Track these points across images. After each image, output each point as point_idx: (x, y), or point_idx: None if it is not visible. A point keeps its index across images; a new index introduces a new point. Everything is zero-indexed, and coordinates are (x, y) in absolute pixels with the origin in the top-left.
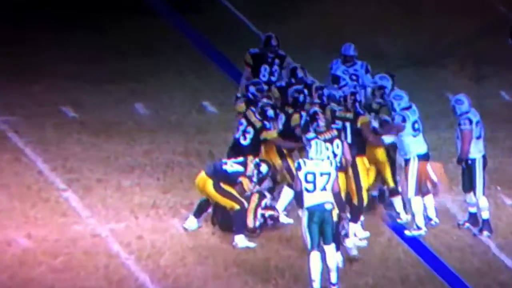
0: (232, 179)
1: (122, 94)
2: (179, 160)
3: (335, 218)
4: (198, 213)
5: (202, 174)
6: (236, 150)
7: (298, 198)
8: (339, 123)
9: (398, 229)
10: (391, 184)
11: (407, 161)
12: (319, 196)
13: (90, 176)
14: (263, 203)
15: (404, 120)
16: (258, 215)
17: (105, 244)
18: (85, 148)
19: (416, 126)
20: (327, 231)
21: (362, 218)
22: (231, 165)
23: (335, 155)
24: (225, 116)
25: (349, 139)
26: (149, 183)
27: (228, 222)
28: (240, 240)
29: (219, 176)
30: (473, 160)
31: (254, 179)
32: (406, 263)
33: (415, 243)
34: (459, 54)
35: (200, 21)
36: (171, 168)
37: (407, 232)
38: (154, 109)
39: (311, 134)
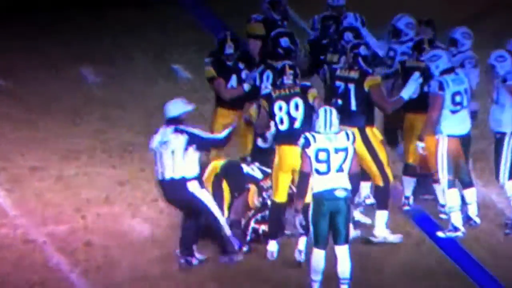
0: (241, 181)
1: (64, 58)
2: (140, 141)
3: (351, 210)
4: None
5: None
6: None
7: (301, 186)
8: (340, 84)
9: (430, 230)
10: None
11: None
12: (334, 180)
13: (22, 163)
14: (259, 216)
15: (441, 87)
16: (250, 229)
17: (41, 253)
18: (16, 127)
19: (458, 99)
20: (340, 226)
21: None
22: (252, 169)
23: (292, 118)
24: (200, 83)
25: (353, 106)
26: (100, 172)
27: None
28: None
29: (229, 172)
30: (503, 135)
31: (265, 194)
32: (440, 274)
33: (451, 248)
34: None
35: None
36: (129, 153)
37: (440, 234)
38: (107, 75)
39: (265, 90)
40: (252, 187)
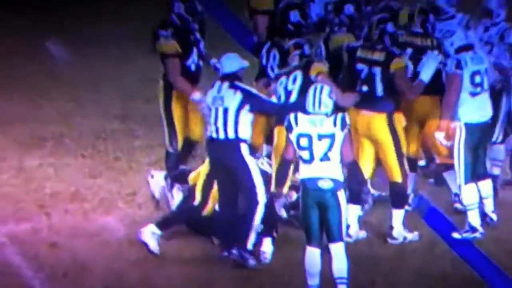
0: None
1: (25, 25)
2: (114, 127)
3: (343, 204)
4: None
5: None
6: None
7: (281, 173)
8: (362, 68)
9: (444, 230)
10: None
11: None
12: (318, 169)
13: None
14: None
15: (459, 66)
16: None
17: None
18: None
19: (478, 79)
20: (330, 221)
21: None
22: (262, 163)
23: (288, 92)
24: None
25: (380, 91)
26: (67, 163)
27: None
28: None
29: None
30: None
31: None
32: (455, 280)
33: (467, 251)
34: None
35: None
36: (102, 140)
37: (456, 235)
38: (75, 48)
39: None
40: None
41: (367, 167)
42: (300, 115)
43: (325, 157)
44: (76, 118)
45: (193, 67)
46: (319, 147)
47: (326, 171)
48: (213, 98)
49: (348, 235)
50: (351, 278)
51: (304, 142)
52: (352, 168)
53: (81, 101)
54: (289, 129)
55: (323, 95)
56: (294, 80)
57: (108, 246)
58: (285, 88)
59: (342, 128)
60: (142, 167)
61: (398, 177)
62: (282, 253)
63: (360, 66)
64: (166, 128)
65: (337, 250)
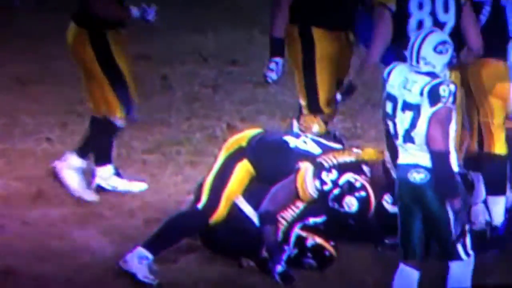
0: (285, 159)
1: None
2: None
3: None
4: None
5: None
6: None
7: None
8: None
9: None
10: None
11: None
12: (405, 152)
13: None
14: (311, 220)
15: None
16: (292, 238)
17: None
18: None
19: None
20: (432, 230)
21: None
22: (304, 141)
23: (440, 23)
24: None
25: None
26: (26, 150)
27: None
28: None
29: (261, 151)
30: None
31: (327, 185)
32: None
33: None
34: None
35: None
36: (77, 116)
37: None
38: None
39: None
40: (305, 166)
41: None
42: (399, 66)
43: (407, 137)
44: (37, 82)
45: None
46: (401, 121)
47: (416, 157)
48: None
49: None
50: None
51: (389, 107)
52: (440, 159)
53: (43, 59)
54: (383, 81)
55: (424, 46)
56: (446, 7)
57: (86, 273)
58: (434, 15)
59: (432, 102)
60: (134, 154)
61: (501, 148)
62: None
63: None
64: (112, 89)
65: (454, 270)
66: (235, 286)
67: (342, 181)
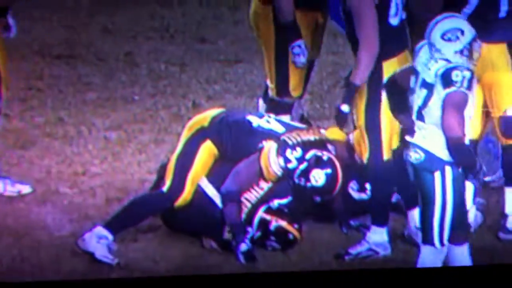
0: (248, 139)
1: None
2: (55, 72)
3: (443, 193)
4: None
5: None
6: None
7: None
8: None
9: None
10: None
11: None
12: (417, 133)
13: None
14: (275, 202)
15: None
16: (255, 221)
17: None
18: None
19: None
20: (422, 213)
21: None
22: (268, 121)
23: None
24: None
25: (502, 10)
26: None
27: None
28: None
29: (223, 126)
30: None
31: (292, 162)
32: None
33: None
34: None
35: None
36: (37, 91)
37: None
38: None
39: None
40: (268, 144)
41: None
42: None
43: (419, 115)
44: None
45: None
46: (417, 97)
47: (419, 137)
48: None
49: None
50: None
51: (412, 81)
52: (458, 144)
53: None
54: (414, 55)
55: (434, 32)
56: None
57: (43, 251)
58: None
59: (444, 85)
60: (96, 132)
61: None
62: None
63: None
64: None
65: (426, 254)
66: (196, 266)
67: (308, 155)
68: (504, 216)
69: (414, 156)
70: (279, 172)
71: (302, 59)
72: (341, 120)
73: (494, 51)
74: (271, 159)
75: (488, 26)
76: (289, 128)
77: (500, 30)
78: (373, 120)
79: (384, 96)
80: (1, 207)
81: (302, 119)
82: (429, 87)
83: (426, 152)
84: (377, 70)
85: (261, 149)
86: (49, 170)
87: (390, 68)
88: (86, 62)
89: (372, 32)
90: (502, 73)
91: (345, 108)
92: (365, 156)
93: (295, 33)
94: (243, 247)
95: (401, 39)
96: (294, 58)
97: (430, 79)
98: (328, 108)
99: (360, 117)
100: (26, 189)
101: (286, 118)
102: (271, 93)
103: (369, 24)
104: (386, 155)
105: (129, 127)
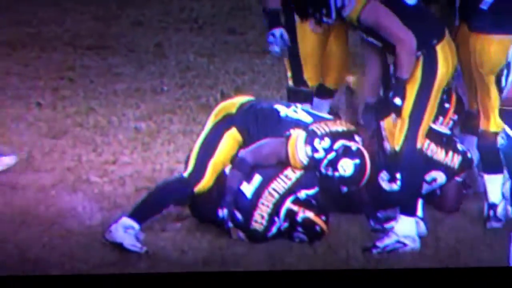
0: (275, 127)
1: None
2: (85, 63)
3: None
4: None
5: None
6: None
7: None
8: None
9: None
10: None
11: None
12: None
13: None
14: (301, 193)
15: None
16: (283, 211)
17: None
18: None
19: None
20: None
21: None
22: (296, 111)
23: None
24: None
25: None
26: (15, 115)
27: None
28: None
29: (250, 114)
30: None
31: (320, 152)
32: None
33: None
34: None
35: None
36: (69, 81)
37: None
38: None
39: None
40: (296, 132)
41: None
42: None
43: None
44: (28, 47)
45: None
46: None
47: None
48: None
49: None
50: None
51: (504, 74)
52: None
53: (37, 24)
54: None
55: None
56: None
57: (73, 240)
58: None
59: None
60: (126, 122)
61: (493, 126)
62: None
63: None
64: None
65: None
66: (223, 256)
67: (337, 145)
68: (493, 206)
69: (500, 141)
70: (305, 161)
71: (275, 48)
72: (396, 112)
73: (494, 43)
74: (298, 147)
75: (476, 16)
76: (316, 118)
77: (489, 21)
78: (420, 108)
79: (437, 82)
80: (33, 196)
81: (330, 111)
82: None
83: (508, 136)
84: (430, 56)
85: (289, 136)
86: (80, 159)
87: (445, 49)
88: (116, 53)
89: (399, 31)
90: None
91: (397, 101)
92: (399, 144)
93: (273, 21)
94: (225, 212)
95: (430, 17)
96: (269, 46)
97: None
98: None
99: (408, 106)
100: (11, 159)
101: (306, 106)
102: (290, 82)
103: (393, 25)
104: (420, 143)
105: (158, 117)
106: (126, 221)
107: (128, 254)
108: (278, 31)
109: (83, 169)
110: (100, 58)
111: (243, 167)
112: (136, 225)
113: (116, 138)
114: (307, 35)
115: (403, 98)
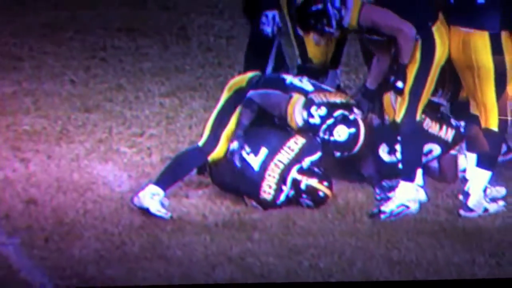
0: (280, 89)
1: None
2: (115, 43)
3: None
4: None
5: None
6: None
7: None
8: None
9: None
10: None
11: None
12: None
13: None
14: (306, 161)
15: None
16: (289, 180)
17: None
18: None
19: None
20: None
21: None
22: (301, 80)
23: None
24: None
25: None
26: (51, 91)
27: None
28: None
29: (260, 85)
30: None
31: (315, 118)
32: None
33: None
34: None
35: None
36: (100, 60)
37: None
38: None
39: None
40: (297, 96)
41: None
42: None
43: None
44: (64, 29)
45: None
46: None
47: None
48: None
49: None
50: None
51: None
52: None
53: (72, 7)
54: None
55: None
56: None
57: (104, 205)
58: None
59: None
60: (152, 98)
61: (493, 124)
62: None
63: None
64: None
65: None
66: (240, 221)
67: (337, 113)
68: (466, 194)
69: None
70: (300, 123)
71: (267, 29)
72: (398, 93)
73: (477, 38)
74: (296, 110)
75: (469, 13)
76: (318, 88)
77: (480, 18)
78: (420, 85)
79: (435, 62)
80: (68, 165)
81: (338, 89)
82: None
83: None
84: (427, 37)
85: (291, 97)
86: (111, 131)
87: (440, 30)
88: (144, 35)
89: (397, 23)
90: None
91: (399, 84)
92: (399, 116)
93: (267, 2)
94: (235, 145)
95: (422, 1)
96: (261, 26)
97: None
98: (363, 79)
99: (408, 84)
100: None
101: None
102: (299, 59)
103: (390, 20)
104: (419, 116)
105: (181, 94)
106: (152, 188)
107: (154, 219)
108: (271, 13)
109: (113, 141)
110: (129, 40)
111: (251, 106)
112: (161, 192)
113: (143, 113)
114: (311, 49)
115: (404, 81)
